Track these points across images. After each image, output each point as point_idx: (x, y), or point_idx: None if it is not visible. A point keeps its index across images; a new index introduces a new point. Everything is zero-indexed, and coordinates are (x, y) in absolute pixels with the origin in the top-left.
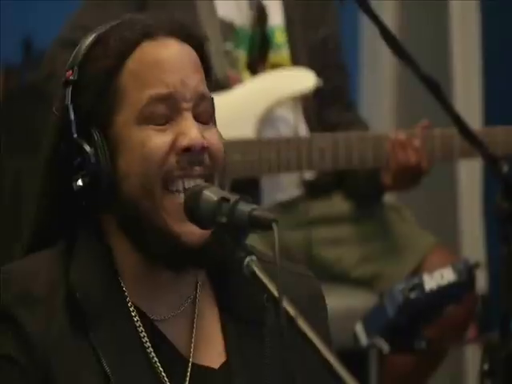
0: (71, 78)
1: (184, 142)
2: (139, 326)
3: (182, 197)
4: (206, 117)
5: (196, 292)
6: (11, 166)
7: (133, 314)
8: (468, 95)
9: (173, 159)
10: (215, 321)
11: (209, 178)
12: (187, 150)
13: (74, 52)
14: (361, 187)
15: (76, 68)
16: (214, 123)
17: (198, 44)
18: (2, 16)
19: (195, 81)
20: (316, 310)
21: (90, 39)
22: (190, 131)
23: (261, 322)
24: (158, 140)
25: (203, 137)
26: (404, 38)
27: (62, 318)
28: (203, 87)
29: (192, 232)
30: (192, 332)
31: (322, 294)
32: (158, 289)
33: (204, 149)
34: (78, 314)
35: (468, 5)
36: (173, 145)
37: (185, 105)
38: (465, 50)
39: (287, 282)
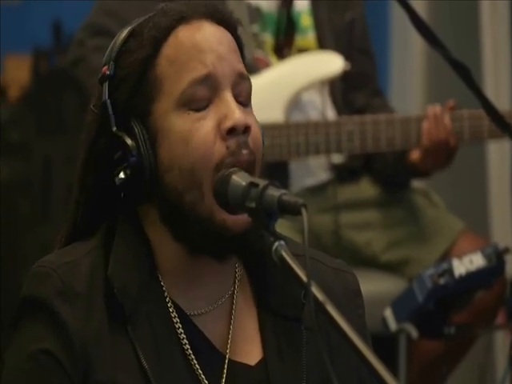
0: (107, 73)
1: (228, 123)
2: (176, 322)
3: None
4: (245, 97)
5: (234, 286)
6: (41, 150)
7: (170, 309)
8: (497, 78)
9: (221, 147)
10: (253, 316)
11: (253, 165)
12: (231, 130)
13: (110, 47)
14: (388, 171)
15: (112, 63)
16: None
17: (232, 28)
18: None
19: (233, 59)
20: (352, 307)
21: (124, 34)
22: (233, 112)
23: (299, 318)
24: (202, 131)
25: (246, 117)
26: (433, 22)
27: (101, 313)
28: (241, 66)
29: (237, 218)
30: (229, 327)
31: (360, 291)
32: (196, 282)
33: (248, 129)
34: (116, 308)
35: None
36: (217, 130)
37: (224, 82)
38: (495, 33)
39: (324, 277)
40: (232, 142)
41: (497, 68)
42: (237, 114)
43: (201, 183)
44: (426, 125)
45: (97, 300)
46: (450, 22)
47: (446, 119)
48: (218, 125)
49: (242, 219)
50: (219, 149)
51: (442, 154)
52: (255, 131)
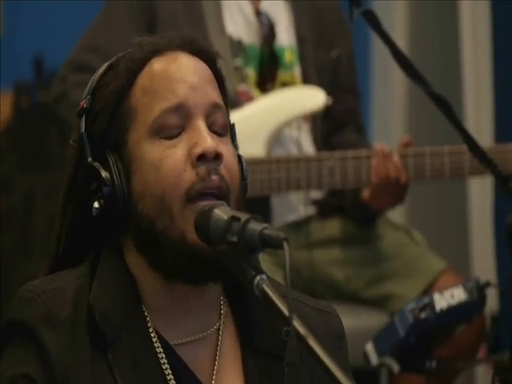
0: (84, 106)
1: (197, 149)
2: (160, 353)
3: (201, 204)
4: (220, 127)
5: (220, 323)
6: (22, 184)
7: (154, 339)
8: (479, 112)
9: (191, 173)
10: (236, 352)
11: (226, 192)
12: (201, 157)
13: (89, 82)
14: (347, 208)
15: (89, 97)
16: (233, 137)
17: (209, 59)
18: (14, 35)
19: (207, 89)
20: (336, 349)
21: (102, 68)
22: (203, 139)
23: (281, 355)
24: (172, 158)
25: (218, 145)
26: (415, 56)
27: (84, 340)
28: (216, 96)
29: None
30: (214, 362)
31: (344, 333)
32: (177, 312)
33: (218, 156)
34: (98, 335)
35: (479, 18)
36: (187, 157)
37: (197, 112)
38: (476, 64)
39: (308, 318)
40: (201, 169)
41: (478, 103)
42: (207, 142)
43: (171, 209)
44: (373, 162)
45: (80, 327)
46: (431, 56)
47: (395, 157)
48: (189, 152)
49: None
50: (189, 175)
51: (391, 192)
52: (229, 160)
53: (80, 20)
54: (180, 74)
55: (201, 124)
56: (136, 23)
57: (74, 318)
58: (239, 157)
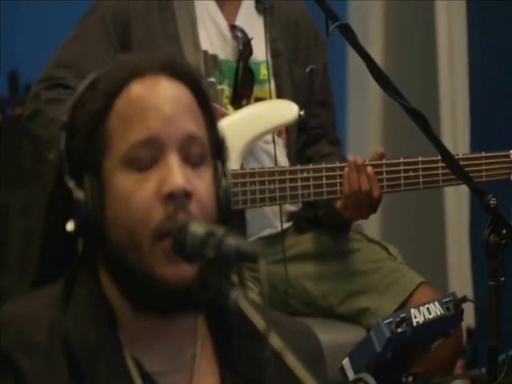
0: (66, 122)
1: (165, 188)
2: (136, 381)
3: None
4: (195, 159)
5: (196, 348)
6: None
7: (130, 366)
8: (455, 124)
9: (159, 211)
10: (215, 377)
11: None
12: (170, 196)
13: (71, 99)
14: (321, 218)
15: (69, 112)
16: (221, 154)
17: (191, 80)
18: None
19: (182, 120)
20: (317, 370)
21: (83, 84)
22: (172, 176)
23: (260, 380)
24: (142, 194)
25: (189, 182)
26: (391, 70)
27: (60, 365)
28: (193, 127)
29: (177, 272)
30: None
31: (323, 353)
32: (153, 339)
33: (188, 195)
34: (74, 363)
35: (455, 19)
36: (156, 193)
37: (169, 145)
38: (452, 80)
39: (288, 340)
40: (170, 207)
41: (454, 116)
42: (176, 180)
43: (141, 245)
44: (346, 172)
45: (56, 352)
46: (407, 69)
47: (369, 169)
48: (158, 188)
49: (182, 271)
50: (157, 213)
51: (363, 203)
52: (201, 194)
53: (56, 34)
54: (155, 104)
55: (172, 159)
56: (109, 39)
57: (49, 342)
58: (219, 179)
